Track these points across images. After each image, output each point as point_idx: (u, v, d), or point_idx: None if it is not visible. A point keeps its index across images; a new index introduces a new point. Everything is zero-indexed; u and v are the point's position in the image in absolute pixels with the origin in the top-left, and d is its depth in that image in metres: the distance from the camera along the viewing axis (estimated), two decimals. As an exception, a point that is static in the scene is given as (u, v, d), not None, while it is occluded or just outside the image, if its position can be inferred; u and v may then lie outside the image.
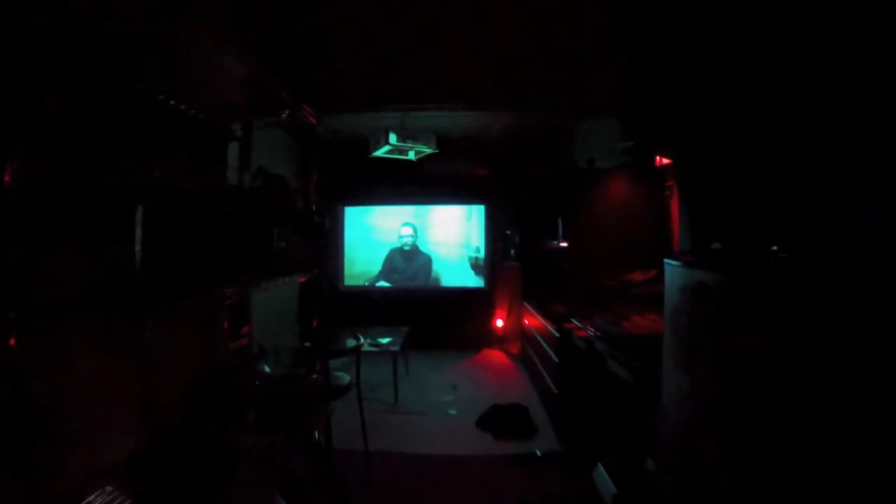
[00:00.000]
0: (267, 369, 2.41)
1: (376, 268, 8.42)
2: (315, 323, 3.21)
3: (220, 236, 2.02)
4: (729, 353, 1.98)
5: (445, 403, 5.61)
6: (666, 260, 2.52)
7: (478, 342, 8.09)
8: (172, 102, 2.04)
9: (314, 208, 3.02)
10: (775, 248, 2.12)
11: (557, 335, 4.57)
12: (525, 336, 6.97)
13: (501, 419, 4.94)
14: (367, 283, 8.42)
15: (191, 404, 2.06)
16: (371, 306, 8.06)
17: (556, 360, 4.72)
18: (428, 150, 5.74)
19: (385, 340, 6.22)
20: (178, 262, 1.86)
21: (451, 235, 8.38)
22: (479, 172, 8.04)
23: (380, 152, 6.08)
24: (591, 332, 3.70)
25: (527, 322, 6.73)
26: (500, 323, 8.20)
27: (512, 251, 7.55)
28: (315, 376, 2.47)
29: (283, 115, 2.63)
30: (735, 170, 2.50)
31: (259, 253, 2.13)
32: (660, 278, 4.31)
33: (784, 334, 1.81)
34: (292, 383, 2.31)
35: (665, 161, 3.85)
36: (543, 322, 5.28)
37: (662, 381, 2.60)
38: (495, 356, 7.75)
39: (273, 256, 2.21)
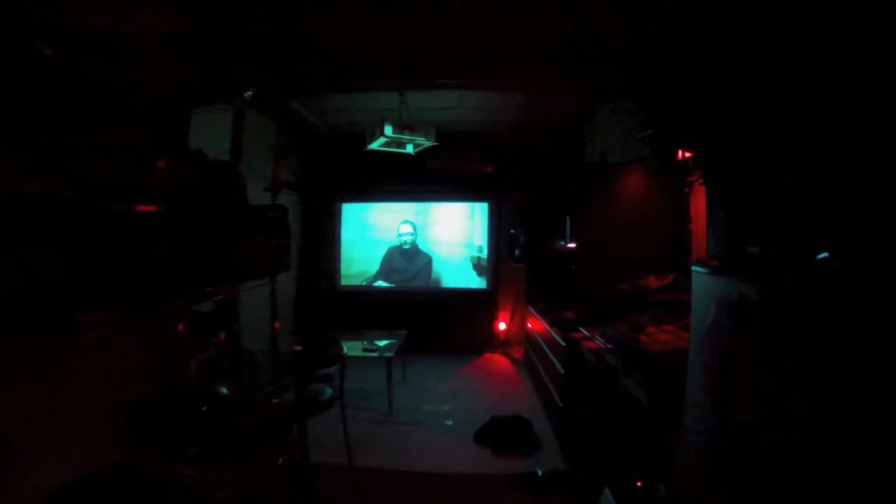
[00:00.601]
0: (224, 391, 2.06)
1: (375, 267, 8.06)
2: (277, 326, 2.86)
3: (146, 239, 1.68)
4: (776, 384, 1.61)
5: (443, 413, 5.25)
6: (694, 266, 2.14)
7: (479, 346, 7.73)
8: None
9: (278, 200, 2.67)
10: (825, 253, 1.75)
11: (564, 344, 4.20)
12: (529, 341, 6.61)
13: (502, 433, 4.58)
14: (364, 283, 8.06)
15: (121, 433, 1.71)
16: (369, 307, 7.72)
17: (562, 372, 4.35)
18: (427, 143, 5.37)
19: (382, 343, 5.88)
20: (89, 272, 1.52)
21: (453, 234, 8.00)
22: (483, 169, 7.67)
23: (375, 145, 5.72)
24: (601, 343, 3.33)
25: (531, 326, 6.36)
26: (502, 326, 7.84)
27: (517, 251, 7.17)
28: (276, 401, 2.11)
29: (247, 96, 2.28)
30: (779, 159, 2.12)
31: (198, 257, 1.78)
32: (678, 284, 3.94)
33: (849, 364, 1.44)
34: (252, 407, 1.96)
35: (687, 154, 3.46)
36: (549, 329, 4.91)
37: (686, 406, 2.22)
38: (497, 361, 7.39)
39: (216, 260, 1.86)
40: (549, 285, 5.58)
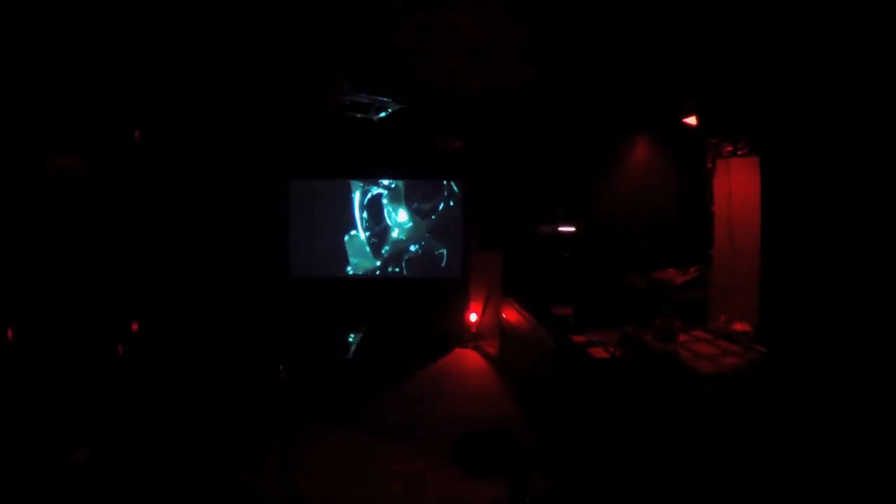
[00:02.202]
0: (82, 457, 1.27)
1: (332, 254, 7.09)
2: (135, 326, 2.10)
3: None
4: None
5: (410, 425, 4.51)
6: None
7: (449, 340, 6.98)
8: None
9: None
10: None
11: (557, 350, 3.51)
12: (505, 335, 5.93)
13: (480, 450, 3.88)
14: (322, 272, 7.08)
15: None
16: (326, 300, 6.80)
17: (554, 380, 3.66)
18: (392, 106, 4.58)
19: (344, 341, 5.11)
20: None
21: (421, 217, 7.14)
22: (453, 143, 6.82)
23: (334, 108, 4.90)
24: (615, 354, 2.64)
25: (507, 319, 5.67)
26: (474, 318, 7.12)
27: (492, 236, 6.47)
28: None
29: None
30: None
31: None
32: (703, 280, 3.26)
33: None
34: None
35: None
36: (534, 327, 4.20)
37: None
38: (469, 357, 6.66)
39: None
40: (532, 275, 4.88)
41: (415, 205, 7.22)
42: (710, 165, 3.16)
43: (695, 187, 3.29)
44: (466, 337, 7.07)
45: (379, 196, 7.25)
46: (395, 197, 7.28)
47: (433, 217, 7.17)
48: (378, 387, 5.41)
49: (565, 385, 3.48)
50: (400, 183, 7.18)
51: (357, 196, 7.22)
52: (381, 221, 7.24)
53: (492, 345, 6.81)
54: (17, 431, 2.19)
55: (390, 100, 4.52)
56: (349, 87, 4.70)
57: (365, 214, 7.22)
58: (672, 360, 2.14)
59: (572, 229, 3.73)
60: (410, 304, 6.92)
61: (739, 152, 2.65)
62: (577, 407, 3.16)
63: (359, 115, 5.05)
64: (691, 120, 2.86)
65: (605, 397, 2.71)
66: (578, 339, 3.11)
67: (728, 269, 3.05)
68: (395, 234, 7.21)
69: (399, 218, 7.25)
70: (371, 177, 7.07)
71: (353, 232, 7.21)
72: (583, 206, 3.52)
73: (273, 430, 3.89)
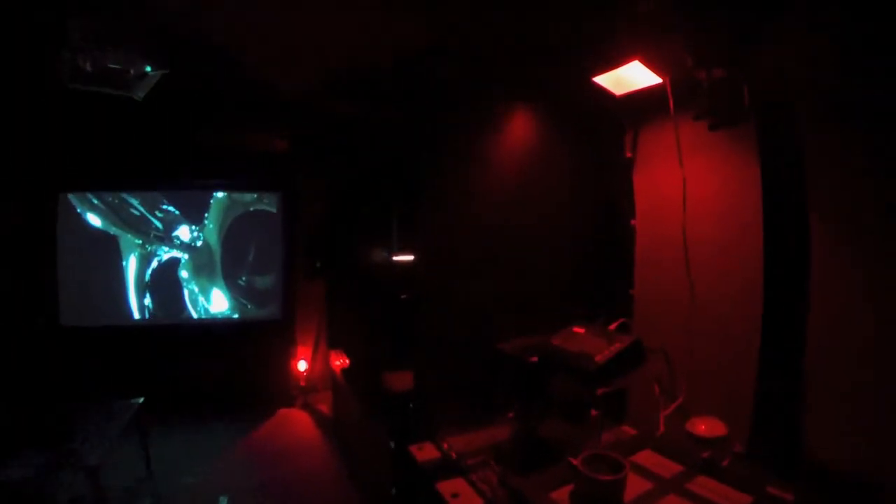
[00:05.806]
0: None
1: (117, 292, 5.03)
2: None
3: None
4: None
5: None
6: None
7: (271, 398, 5.33)
8: None
9: None
10: None
11: (395, 461, 2.17)
12: (338, 392, 4.52)
13: None
14: (105, 318, 4.95)
15: None
16: (104, 355, 4.76)
17: (394, 492, 2.34)
18: (152, 72, 3.00)
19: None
20: None
21: (228, 240, 5.34)
22: (272, 144, 5.26)
23: (69, 78, 3.19)
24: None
25: (339, 378, 4.28)
26: (303, 366, 5.58)
27: (318, 264, 5.07)
28: None
29: None
30: None
31: None
32: (640, 347, 1.94)
33: None
34: None
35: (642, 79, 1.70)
36: (366, 414, 2.83)
37: None
38: (297, 422, 5.04)
39: None
40: (360, 325, 3.55)
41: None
42: (629, 154, 2.08)
43: (608, 188, 2.20)
44: (294, 392, 5.47)
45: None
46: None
47: (243, 235, 5.25)
48: (165, 479, 3.64)
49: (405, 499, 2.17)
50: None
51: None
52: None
53: (326, 399, 5.33)
54: None
55: (156, 63, 2.94)
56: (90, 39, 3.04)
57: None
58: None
59: (412, 258, 2.46)
60: (218, 355, 5.17)
61: (719, 122, 1.55)
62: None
63: (114, 91, 3.36)
64: (605, 79, 1.75)
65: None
66: (426, 454, 1.79)
67: (670, 324, 1.98)
68: (195, 255, 5.30)
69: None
70: (162, 187, 5.11)
71: (145, 253, 5.12)
72: (427, 221, 2.25)
73: None
